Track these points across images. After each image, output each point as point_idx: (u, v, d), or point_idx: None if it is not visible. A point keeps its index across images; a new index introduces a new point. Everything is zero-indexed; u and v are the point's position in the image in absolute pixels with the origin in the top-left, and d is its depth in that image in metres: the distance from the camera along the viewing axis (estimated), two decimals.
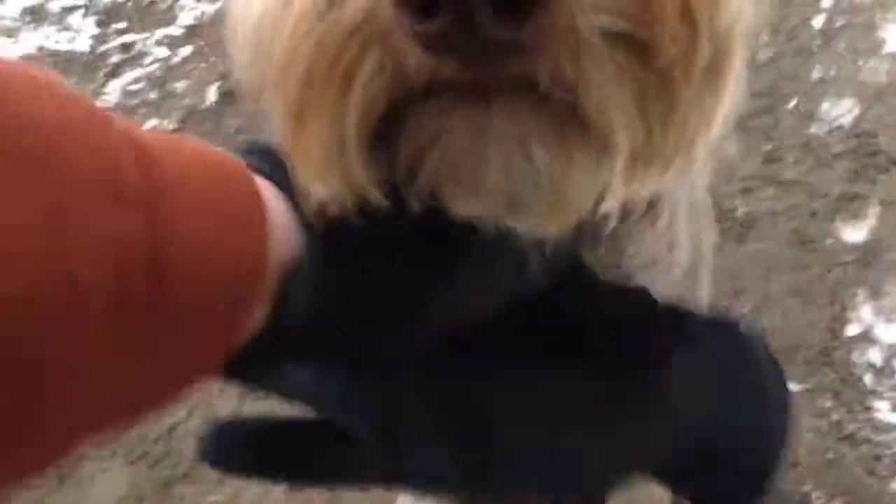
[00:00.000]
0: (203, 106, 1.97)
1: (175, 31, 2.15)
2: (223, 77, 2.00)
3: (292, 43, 0.25)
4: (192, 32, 2.13)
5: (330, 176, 0.29)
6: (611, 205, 0.28)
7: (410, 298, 0.33)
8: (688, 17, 0.24)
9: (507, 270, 0.33)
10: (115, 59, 2.12)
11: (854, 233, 1.27)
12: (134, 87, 2.04)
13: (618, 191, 0.28)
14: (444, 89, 0.26)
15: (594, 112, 0.26)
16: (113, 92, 2.05)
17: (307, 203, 0.31)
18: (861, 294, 1.20)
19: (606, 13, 0.24)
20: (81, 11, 2.21)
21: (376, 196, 0.29)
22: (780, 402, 0.41)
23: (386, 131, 0.27)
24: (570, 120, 0.26)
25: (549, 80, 0.25)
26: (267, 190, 0.31)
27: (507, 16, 0.22)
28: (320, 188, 0.30)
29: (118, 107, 2.00)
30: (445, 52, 0.24)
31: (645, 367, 0.35)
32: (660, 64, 0.25)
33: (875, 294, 1.20)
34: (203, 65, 2.05)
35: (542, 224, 0.30)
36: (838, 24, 1.56)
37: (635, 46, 0.24)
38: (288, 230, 0.31)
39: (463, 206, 0.29)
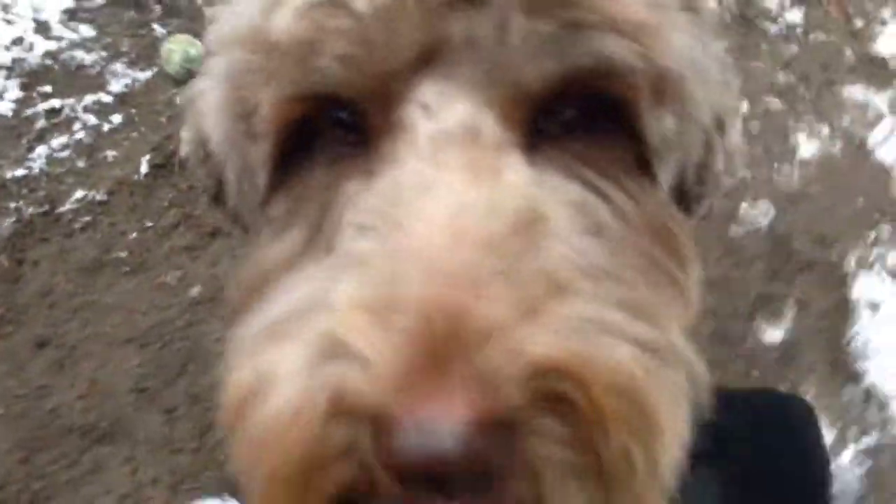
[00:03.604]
0: (134, 178, 1.93)
1: (105, 97, 2.11)
2: (155, 148, 1.97)
3: (286, 447, 0.29)
4: (122, 100, 2.09)
5: None
6: None
7: None
8: (627, 460, 0.29)
9: None
10: (40, 124, 2.06)
11: (773, 332, 1.35)
12: (61, 155, 1.99)
13: None
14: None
15: None
16: (38, 158, 1.99)
17: None
18: None
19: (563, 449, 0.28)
20: (3, 73, 2.13)
21: None
22: None
23: None
24: None
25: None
26: None
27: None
28: None
29: (43, 175, 1.94)
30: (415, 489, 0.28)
31: None
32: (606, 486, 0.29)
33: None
34: (134, 134, 2.02)
35: None
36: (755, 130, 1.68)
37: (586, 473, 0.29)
38: None
39: None
